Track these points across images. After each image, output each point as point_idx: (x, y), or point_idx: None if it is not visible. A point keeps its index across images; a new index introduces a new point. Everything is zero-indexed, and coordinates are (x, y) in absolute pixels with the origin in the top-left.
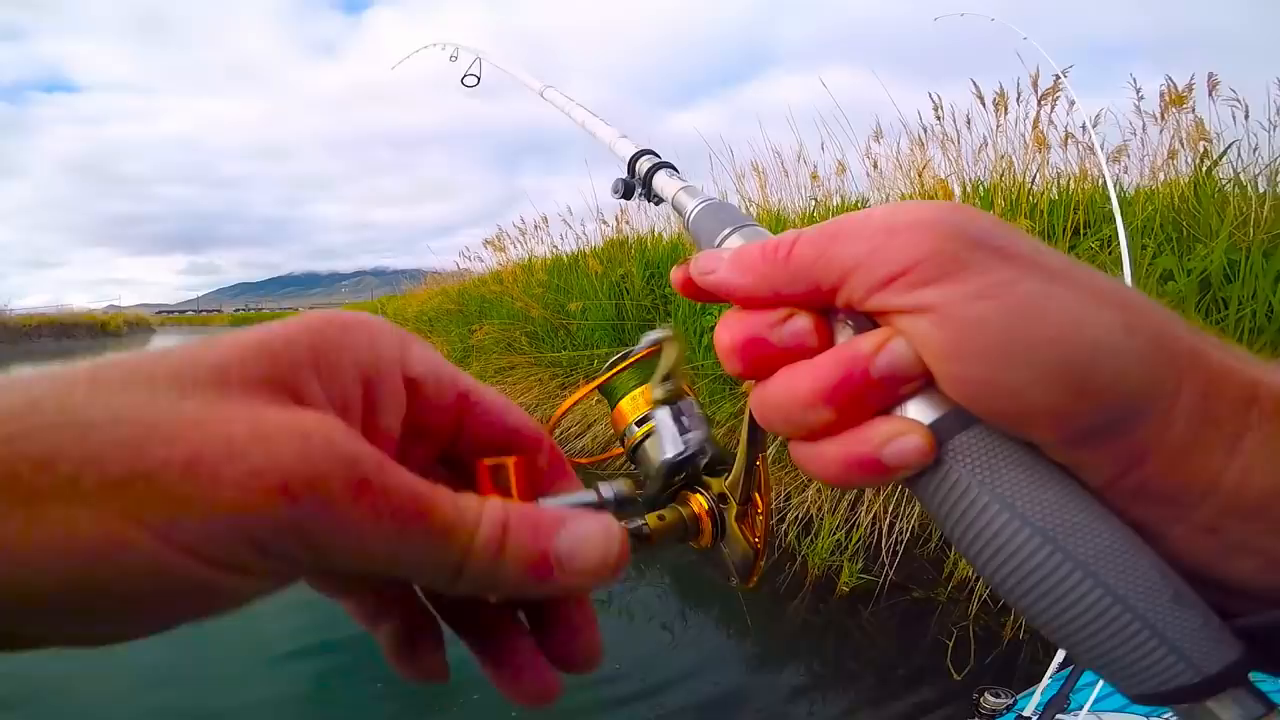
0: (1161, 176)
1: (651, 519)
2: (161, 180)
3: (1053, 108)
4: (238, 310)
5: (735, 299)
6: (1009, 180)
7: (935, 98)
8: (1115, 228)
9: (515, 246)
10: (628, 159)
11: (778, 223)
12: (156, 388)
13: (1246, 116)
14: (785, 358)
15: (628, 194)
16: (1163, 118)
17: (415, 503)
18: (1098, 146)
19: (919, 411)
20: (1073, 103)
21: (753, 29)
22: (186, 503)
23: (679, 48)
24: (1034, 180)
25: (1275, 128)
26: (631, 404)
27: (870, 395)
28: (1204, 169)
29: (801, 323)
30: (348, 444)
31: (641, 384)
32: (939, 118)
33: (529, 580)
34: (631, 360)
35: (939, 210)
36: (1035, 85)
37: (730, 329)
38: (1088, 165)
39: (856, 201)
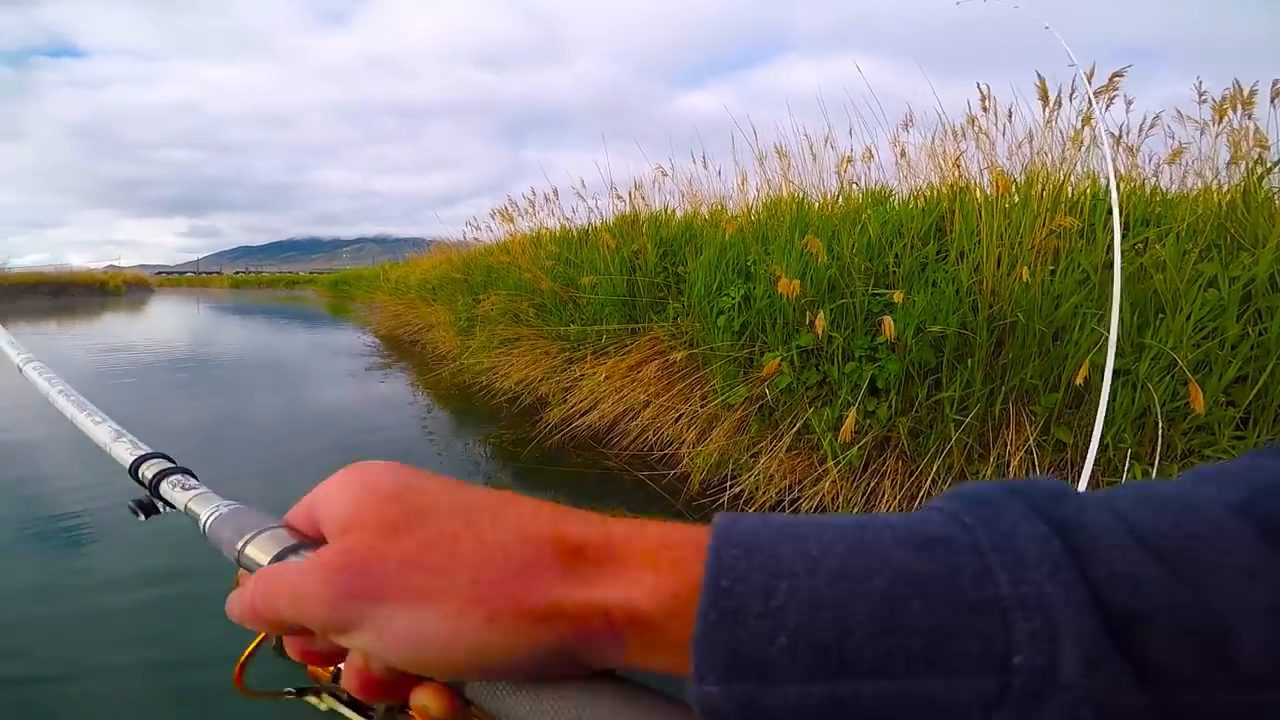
0: (1212, 181)
1: None
2: (165, 145)
3: (1108, 105)
4: (237, 273)
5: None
6: (1043, 176)
7: (984, 89)
8: (1154, 231)
9: (524, 218)
10: (128, 465)
11: (800, 207)
12: None
13: None
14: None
15: (146, 511)
16: (1219, 121)
17: None
18: (1105, 144)
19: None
20: (1130, 102)
21: (767, 13)
22: None
23: (691, 29)
24: (1076, 177)
25: None
26: None
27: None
28: (1256, 175)
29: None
30: None
31: None
32: (986, 109)
33: None
34: None
35: (330, 574)
36: (1090, 80)
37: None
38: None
39: (881, 187)
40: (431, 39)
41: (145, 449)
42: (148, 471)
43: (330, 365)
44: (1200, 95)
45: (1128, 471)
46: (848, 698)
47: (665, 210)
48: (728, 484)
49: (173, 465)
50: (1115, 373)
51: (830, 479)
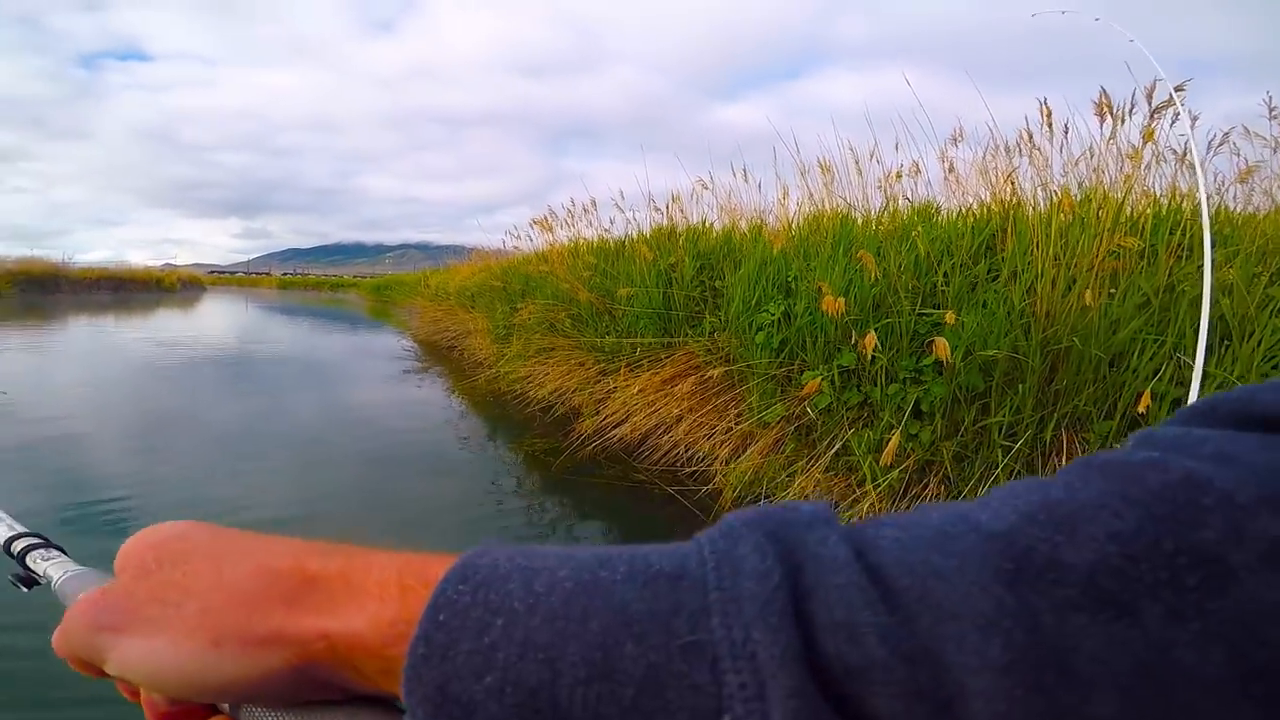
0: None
1: None
2: (222, 148)
3: (1173, 121)
4: (285, 274)
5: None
6: (1099, 194)
7: (1043, 102)
8: (1221, 253)
9: (563, 228)
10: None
11: (844, 222)
12: None
13: None
14: None
15: (27, 584)
16: None
17: None
18: (1198, 164)
19: None
20: (1196, 118)
21: (808, 25)
22: None
23: (731, 41)
24: (1134, 196)
25: None
26: None
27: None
28: None
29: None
30: None
31: None
32: (1049, 125)
33: None
34: None
35: (84, 610)
36: (1150, 98)
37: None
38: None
39: (927, 203)
40: (475, 48)
41: (18, 526)
42: (17, 545)
43: (369, 368)
44: (1271, 110)
45: None
46: None
47: (703, 223)
48: (762, 502)
49: (41, 540)
50: (1175, 401)
51: (869, 501)
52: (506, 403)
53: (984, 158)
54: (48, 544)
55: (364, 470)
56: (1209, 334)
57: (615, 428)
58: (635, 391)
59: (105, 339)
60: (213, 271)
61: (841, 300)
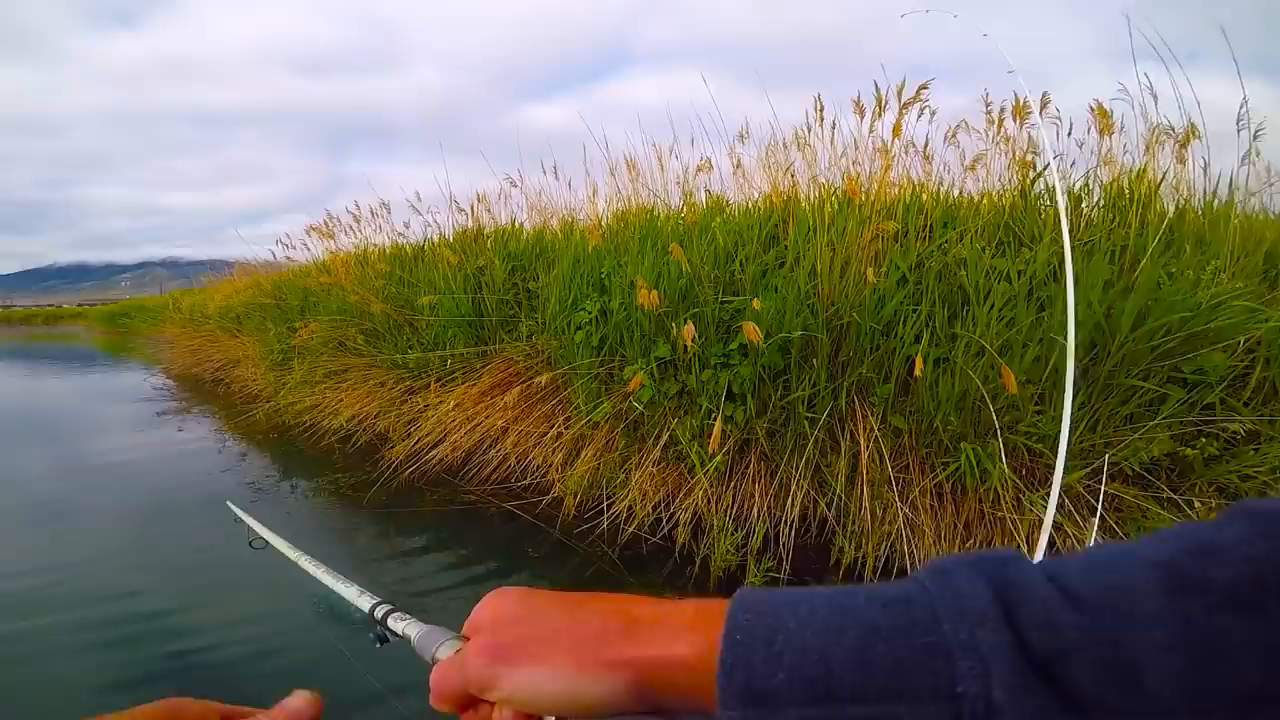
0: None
1: None
2: None
3: (920, 114)
4: None
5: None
6: (858, 184)
7: (818, 99)
8: (952, 233)
9: (348, 234)
10: (368, 610)
11: (650, 217)
12: None
13: (1069, 133)
14: None
15: (381, 640)
16: (999, 130)
17: None
18: (1053, 164)
19: None
20: (934, 113)
21: (615, 28)
22: None
23: (542, 41)
24: (891, 185)
25: (1082, 145)
26: None
27: None
28: (1028, 179)
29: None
30: None
31: None
32: (820, 120)
33: None
34: None
35: (479, 649)
36: (900, 94)
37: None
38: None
39: (719, 196)
40: (244, 41)
41: (376, 597)
42: (378, 611)
43: (114, 414)
44: (987, 108)
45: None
46: (833, 718)
47: (513, 223)
48: (604, 504)
49: (393, 605)
50: (936, 360)
51: (702, 488)
52: (295, 437)
53: (765, 153)
54: (395, 607)
55: (129, 529)
56: (952, 304)
57: (433, 449)
58: (451, 407)
59: None
60: None
61: (655, 293)
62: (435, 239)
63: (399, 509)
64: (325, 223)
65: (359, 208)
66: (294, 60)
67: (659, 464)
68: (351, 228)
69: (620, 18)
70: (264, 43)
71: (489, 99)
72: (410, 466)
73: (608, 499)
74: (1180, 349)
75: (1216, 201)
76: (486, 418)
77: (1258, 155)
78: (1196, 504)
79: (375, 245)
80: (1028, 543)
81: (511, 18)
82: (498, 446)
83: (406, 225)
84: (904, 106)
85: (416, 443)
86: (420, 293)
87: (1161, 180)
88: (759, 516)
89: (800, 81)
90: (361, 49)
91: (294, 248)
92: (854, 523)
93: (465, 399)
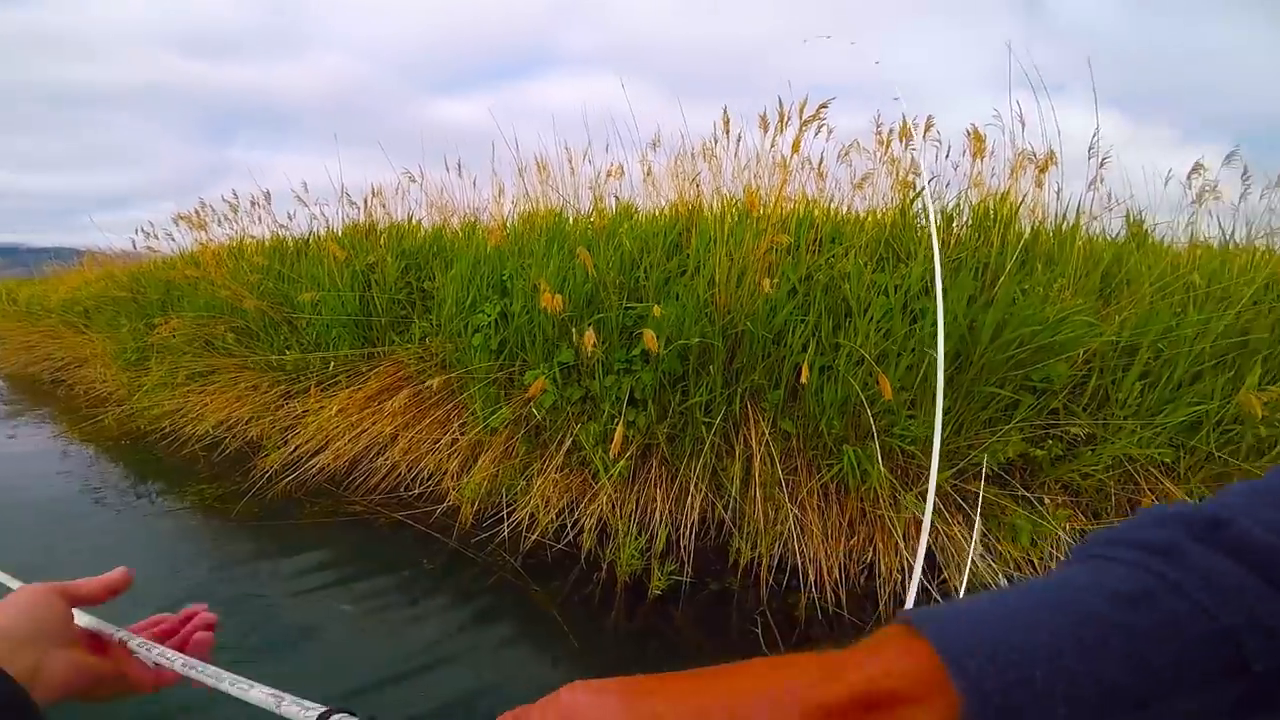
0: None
1: None
2: None
3: (818, 132)
4: None
5: None
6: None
7: (725, 112)
8: (839, 248)
9: (223, 225)
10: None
11: (558, 220)
12: None
13: (947, 155)
14: None
15: None
16: (886, 151)
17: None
18: (926, 188)
19: None
20: (831, 131)
21: (539, 30)
22: None
23: (458, 34)
24: (787, 200)
25: (957, 168)
26: None
27: None
28: (908, 199)
29: None
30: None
31: None
32: (727, 132)
33: None
34: None
35: None
36: (802, 112)
37: None
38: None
39: (629, 203)
40: (121, 17)
41: (319, 706)
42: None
43: None
44: (878, 129)
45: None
46: None
47: (410, 220)
48: (504, 512)
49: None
50: (822, 368)
51: (606, 493)
52: (152, 445)
53: (674, 162)
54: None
55: None
56: (836, 315)
57: (313, 457)
58: (334, 413)
59: None
60: None
61: (559, 297)
62: (322, 233)
63: (275, 522)
64: (196, 212)
65: (236, 197)
66: (179, 39)
67: (562, 470)
68: (227, 218)
69: (544, 20)
70: (147, 20)
71: (397, 90)
72: (287, 476)
73: (508, 506)
74: (1030, 359)
75: (1065, 224)
76: (374, 423)
77: (1101, 182)
78: (1046, 500)
79: (253, 237)
80: (904, 539)
81: (434, 6)
82: (386, 454)
83: (290, 218)
84: (804, 124)
85: (294, 450)
86: (302, 289)
87: (1021, 202)
88: (661, 520)
89: (713, 92)
90: (262, 29)
91: (156, 237)
92: (749, 524)
93: (350, 404)
